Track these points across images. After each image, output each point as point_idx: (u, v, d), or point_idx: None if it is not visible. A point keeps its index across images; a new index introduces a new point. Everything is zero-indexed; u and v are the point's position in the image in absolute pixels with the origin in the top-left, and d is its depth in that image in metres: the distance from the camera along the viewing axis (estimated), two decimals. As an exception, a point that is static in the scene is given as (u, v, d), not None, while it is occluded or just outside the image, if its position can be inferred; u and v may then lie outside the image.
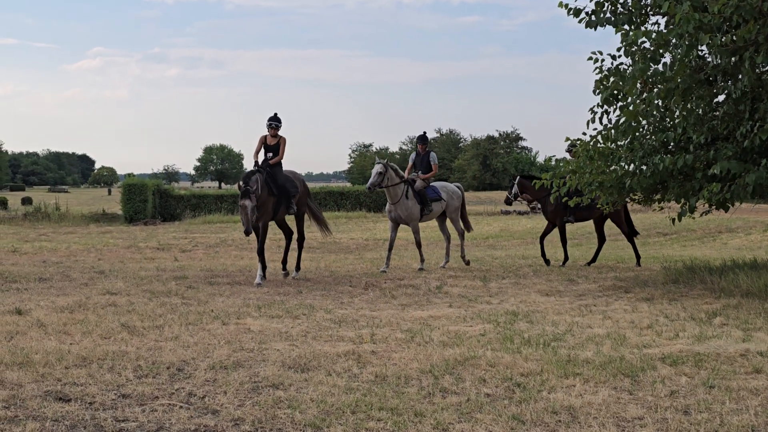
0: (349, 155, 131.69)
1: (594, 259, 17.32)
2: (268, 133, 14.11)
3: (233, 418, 5.45)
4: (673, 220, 12.52)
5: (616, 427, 5.26)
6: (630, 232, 17.34)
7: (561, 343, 8.00)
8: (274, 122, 14.10)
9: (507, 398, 5.92)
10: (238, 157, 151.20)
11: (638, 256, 17.08)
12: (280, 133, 14.23)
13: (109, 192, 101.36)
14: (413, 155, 16.46)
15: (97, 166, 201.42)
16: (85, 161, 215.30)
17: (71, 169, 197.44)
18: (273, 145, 14.04)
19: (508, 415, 5.45)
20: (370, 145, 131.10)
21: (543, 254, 17.08)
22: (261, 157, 14.02)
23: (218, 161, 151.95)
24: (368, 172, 17.27)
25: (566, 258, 17.23)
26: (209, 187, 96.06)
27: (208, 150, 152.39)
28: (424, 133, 16.78)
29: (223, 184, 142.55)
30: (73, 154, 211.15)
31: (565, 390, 6.11)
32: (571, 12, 12.32)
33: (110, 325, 8.69)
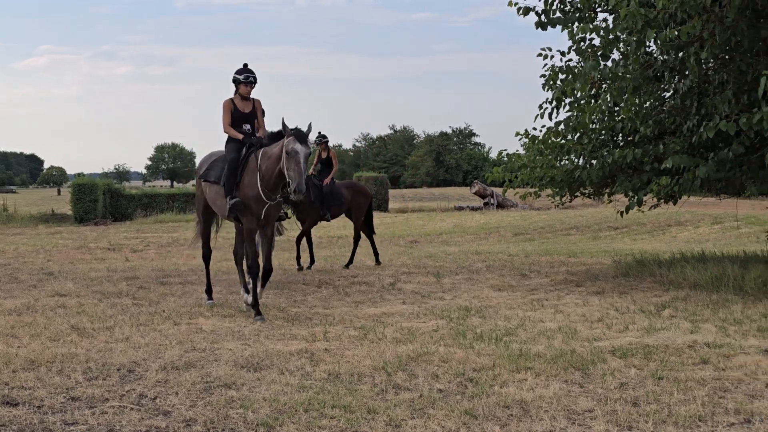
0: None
1: (351, 261, 15.95)
2: (237, 95, 10.20)
3: (185, 418, 5.41)
4: (621, 213, 12.70)
5: (566, 419, 5.32)
6: (369, 232, 16.46)
7: (513, 337, 8.06)
8: (251, 75, 10.09)
9: (459, 393, 5.95)
10: (191, 156, 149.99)
11: (377, 255, 16.31)
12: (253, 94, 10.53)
13: (59, 192, 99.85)
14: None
15: (46, 165, 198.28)
16: (34, 161, 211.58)
17: (19, 169, 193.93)
18: (248, 112, 10.18)
19: (460, 410, 5.48)
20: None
21: (298, 257, 15.47)
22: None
23: (170, 160, 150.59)
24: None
25: (312, 260, 15.79)
26: (161, 186, 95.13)
27: (160, 149, 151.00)
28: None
29: (175, 183, 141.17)
30: (21, 153, 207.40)
31: (517, 384, 6.16)
32: (521, 11, 12.40)
33: (59, 327, 8.56)
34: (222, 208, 10.01)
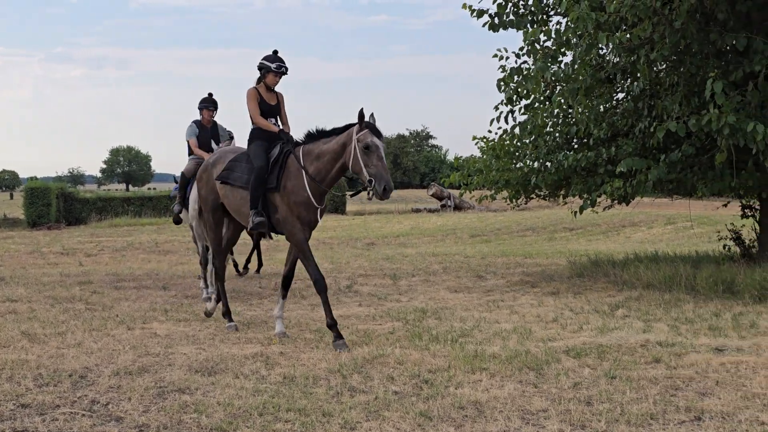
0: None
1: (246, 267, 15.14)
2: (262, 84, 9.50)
3: (138, 424, 5.34)
4: (575, 213, 12.84)
5: (521, 420, 5.34)
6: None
7: (469, 338, 8.09)
8: (283, 65, 9.14)
9: (415, 395, 5.95)
10: (146, 159, 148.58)
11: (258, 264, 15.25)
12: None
13: (11, 196, 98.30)
14: (194, 129, 12.14)
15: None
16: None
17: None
18: (274, 105, 9.20)
19: (415, 412, 5.48)
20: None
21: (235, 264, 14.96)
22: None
23: (125, 163, 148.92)
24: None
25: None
26: (116, 190, 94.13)
27: (115, 152, 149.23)
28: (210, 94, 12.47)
29: (130, 187, 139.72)
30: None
31: (472, 385, 6.18)
32: (475, 13, 12.48)
33: (10, 333, 8.41)
34: (240, 216, 8.71)
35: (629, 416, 5.35)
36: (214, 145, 11.97)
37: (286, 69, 8.84)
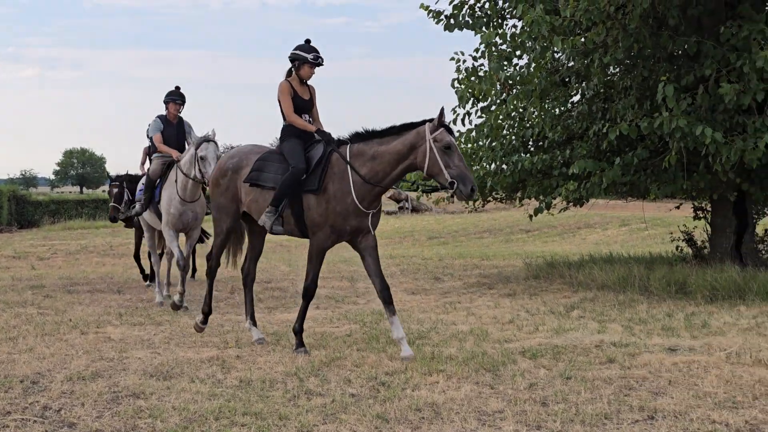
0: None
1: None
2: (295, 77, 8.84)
3: (91, 430, 5.28)
4: (531, 216, 12.95)
5: (477, 421, 5.37)
6: None
7: (426, 340, 8.11)
8: (320, 56, 8.31)
9: (372, 397, 5.95)
10: (101, 161, 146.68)
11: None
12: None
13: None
14: (158, 124, 11.36)
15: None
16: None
17: None
18: (307, 99, 8.33)
19: (372, 414, 5.48)
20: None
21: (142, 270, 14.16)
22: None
23: (79, 165, 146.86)
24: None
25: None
26: (70, 192, 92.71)
27: (69, 154, 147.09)
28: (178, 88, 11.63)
29: (84, 189, 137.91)
30: None
31: (429, 387, 6.20)
32: (432, 14, 12.55)
33: (-41, 339, 8.26)
34: (284, 221, 7.86)
35: (584, 416, 5.40)
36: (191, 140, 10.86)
37: (322, 60, 8.12)
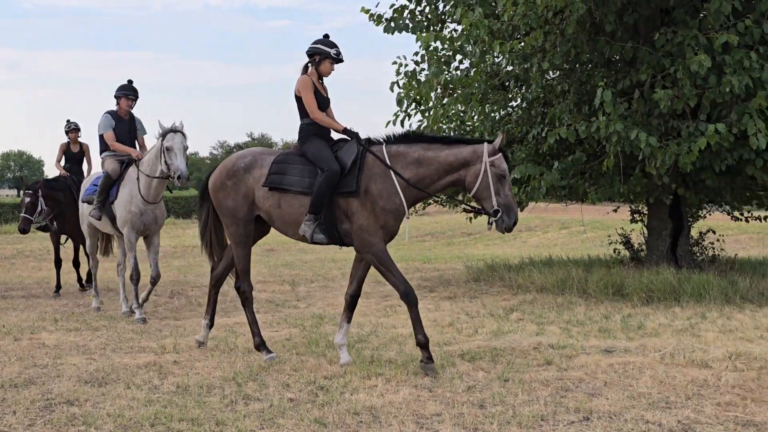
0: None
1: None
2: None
3: (21, 439, 5.16)
4: (470, 218, 13.04)
5: (415, 424, 5.37)
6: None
7: (365, 344, 8.11)
8: (341, 52, 8.03)
9: (310, 402, 5.92)
10: (39, 164, 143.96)
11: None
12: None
13: None
14: (109, 120, 10.62)
15: None
16: None
17: None
18: (326, 97, 7.81)
19: (310, 419, 5.45)
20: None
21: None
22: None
23: (16, 168, 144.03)
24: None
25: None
26: (7, 196, 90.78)
27: (6, 156, 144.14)
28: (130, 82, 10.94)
29: (21, 193, 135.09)
30: None
31: (368, 390, 6.19)
32: (373, 18, 12.57)
33: None
34: (298, 226, 7.23)
35: (521, 418, 5.44)
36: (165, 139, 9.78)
37: (343, 58, 7.69)
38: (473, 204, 8.30)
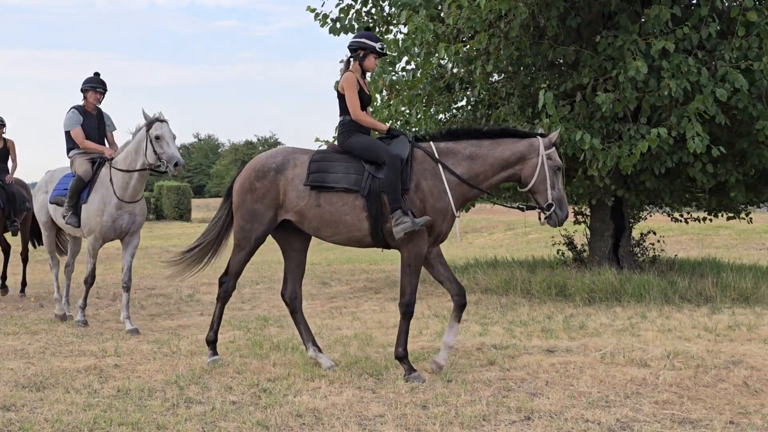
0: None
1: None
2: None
3: (-45, 446, 5.05)
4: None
5: (357, 425, 5.38)
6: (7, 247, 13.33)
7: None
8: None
9: (253, 404, 5.89)
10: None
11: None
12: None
13: None
14: (77, 116, 9.93)
15: None
16: None
17: None
18: (368, 95, 7.55)
19: (252, 422, 5.42)
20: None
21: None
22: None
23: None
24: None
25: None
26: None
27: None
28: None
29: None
30: None
31: (311, 392, 6.18)
32: (318, 17, 12.57)
33: None
34: (353, 227, 6.91)
35: (463, 418, 5.48)
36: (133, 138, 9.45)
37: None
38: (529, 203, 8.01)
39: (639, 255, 13.78)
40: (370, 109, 7.45)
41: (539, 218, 6.90)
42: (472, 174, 6.86)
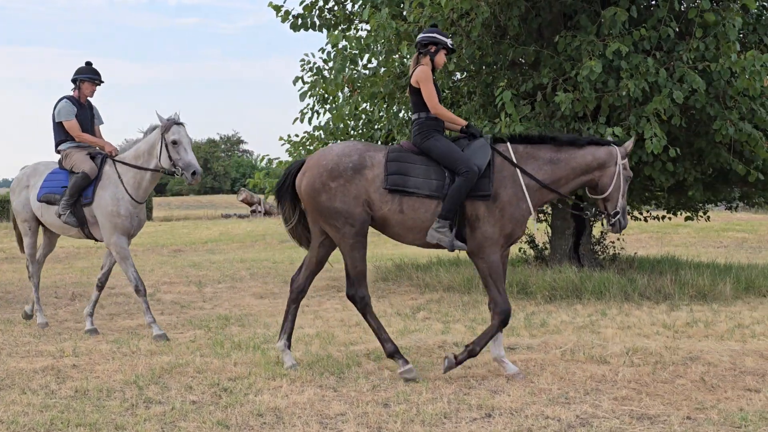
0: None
1: None
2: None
3: None
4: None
5: (319, 424, 5.37)
6: None
7: (271, 345, 8.04)
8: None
9: (213, 404, 5.86)
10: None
11: None
12: None
13: None
14: (70, 107, 9.32)
15: None
16: None
17: None
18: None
19: (213, 421, 5.39)
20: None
21: None
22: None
23: None
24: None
25: None
26: None
27: None
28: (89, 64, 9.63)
29: None
30: None
31: (272, 392, 6.16)
32: (279, 13, 12.53)
33: None
34: (422, 233, 6.76)
35: (424, 416, 5.49)
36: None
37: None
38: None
39: (599, 253, 13.90)
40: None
41: (602, 224, 6.86)
42: (555, 178, 6.77)
